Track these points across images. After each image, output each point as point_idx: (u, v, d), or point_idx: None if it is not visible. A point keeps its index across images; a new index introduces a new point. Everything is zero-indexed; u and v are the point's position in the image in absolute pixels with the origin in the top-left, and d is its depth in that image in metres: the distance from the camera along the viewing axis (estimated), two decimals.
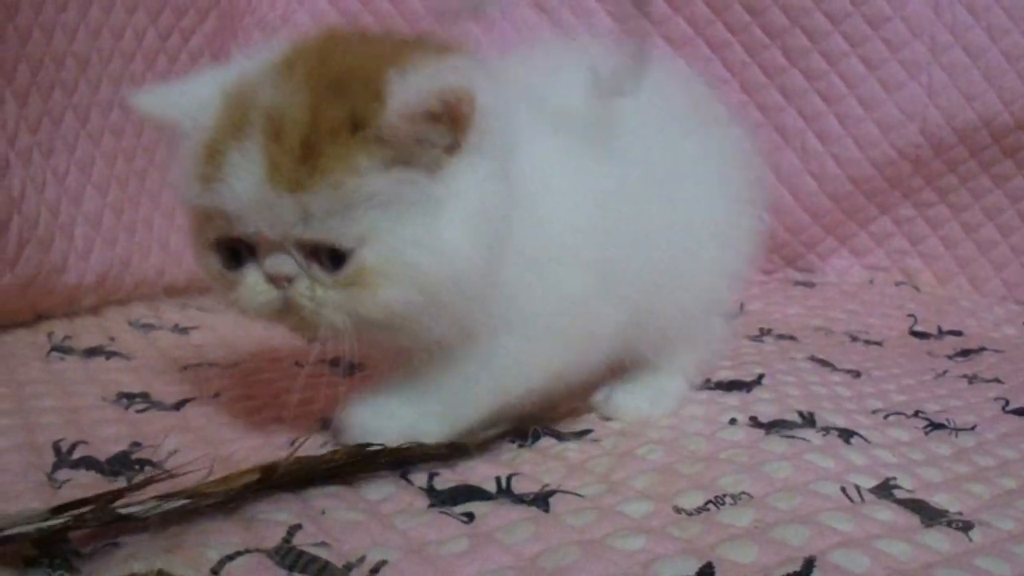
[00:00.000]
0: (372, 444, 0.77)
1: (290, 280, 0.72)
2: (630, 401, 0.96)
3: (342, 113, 0.68)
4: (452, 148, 0.71)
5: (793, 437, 0.88)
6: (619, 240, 0.83)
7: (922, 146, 1.66)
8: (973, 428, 0.98)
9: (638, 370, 0.97)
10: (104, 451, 0.81)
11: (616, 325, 0.86)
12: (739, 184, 0.98)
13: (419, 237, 0.70)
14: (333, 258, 0.70)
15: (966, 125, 1.65)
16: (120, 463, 0.79)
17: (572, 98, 0.83)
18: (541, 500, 0.73)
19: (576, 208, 0.80)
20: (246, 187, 0.69)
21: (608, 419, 0.95)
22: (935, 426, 0.98)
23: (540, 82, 0.85)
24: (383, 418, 0.80)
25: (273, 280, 0.72)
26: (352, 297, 0.71)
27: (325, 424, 0.89)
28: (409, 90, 0.67)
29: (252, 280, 0.73)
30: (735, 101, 1.70)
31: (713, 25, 1.70)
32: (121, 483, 0.75)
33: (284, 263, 0.71)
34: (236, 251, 0.74)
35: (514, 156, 0.75)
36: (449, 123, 0.70)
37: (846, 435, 0.90)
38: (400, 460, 0.78)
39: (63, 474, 0.77)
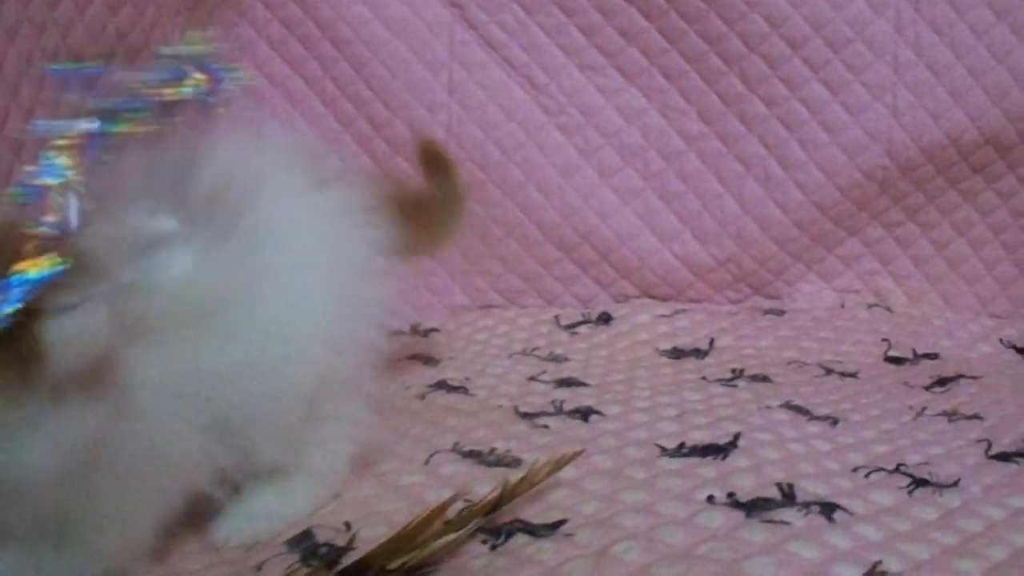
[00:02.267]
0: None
1: None
2: (233, 528, 0.91)
3: None
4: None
5: (773, 521, 0.85)
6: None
7: (888, 167, 1.64)
8: (957, 483, 0.96)
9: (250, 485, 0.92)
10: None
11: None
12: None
13: None
14: None
15: (932, 144, 1.62)
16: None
17: None
18: None
19: None
20: None
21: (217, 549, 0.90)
22: (918, 483, 0.96)
23: None
24: None
25: None
26: None
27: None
28: None
29: None
30: (694, 131, 1.69)
31: (668, 54, 1.67)
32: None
33: None
34: None
35: None
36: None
37: (828, 510, 0.87)
38: None
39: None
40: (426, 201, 1.20)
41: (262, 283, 0.84)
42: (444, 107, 1.68)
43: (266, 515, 0.91)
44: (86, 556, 0.78)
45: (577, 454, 0.98)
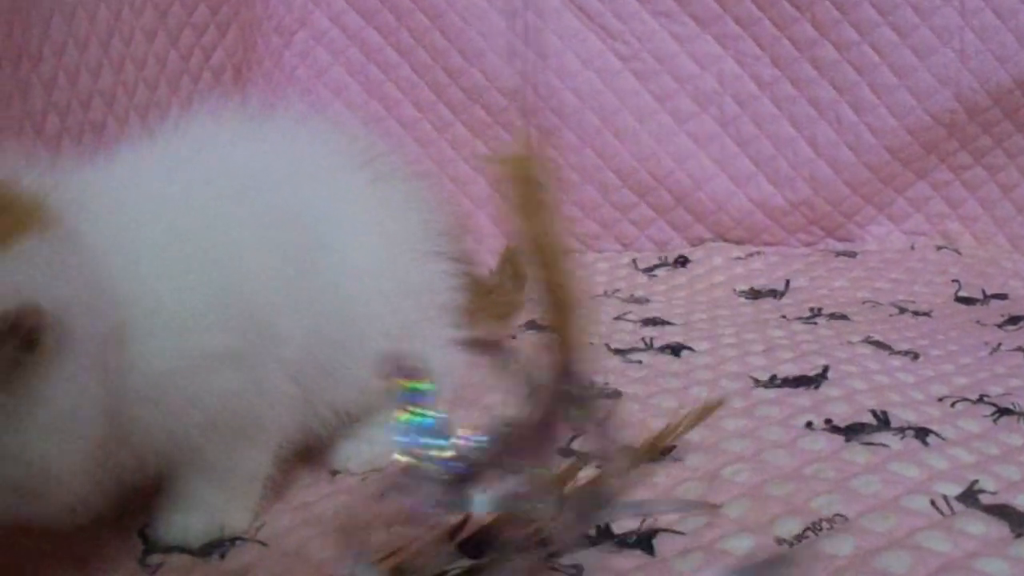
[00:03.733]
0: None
1: None
2: (353, 449, 0.97)
3: None
4: (25, 361, 0.65)
5: (873, 444, 0.89)
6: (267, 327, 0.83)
7: (956, 111, 1.66)
8: None
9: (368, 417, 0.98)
10: None
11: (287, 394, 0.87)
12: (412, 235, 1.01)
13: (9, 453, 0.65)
14: None
15: (999, 87, 1.64)
16: (210, 543, 0.82)
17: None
18: (644, 541, 0.75)
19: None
20: None
21: (336, 472, 0.96)
22: (1002, 411, 0.99)
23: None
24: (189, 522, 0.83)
25: None
26: None
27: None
28: None
29: None
30: (767, 76, 1.71)
31: (741, 2, 1.69)
32: (214, 562, 0.79)
33: None
34: None
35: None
36: (17, 340, 0.63)
37: (922, 434, 0.91)
38: None
39: (155, 559, 0.80)
40: (491, 288, 1.27)
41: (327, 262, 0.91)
42: (519, 55, 1.70)
43: (382, 441, 0.95)
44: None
45: (717, 405, 0.98)
